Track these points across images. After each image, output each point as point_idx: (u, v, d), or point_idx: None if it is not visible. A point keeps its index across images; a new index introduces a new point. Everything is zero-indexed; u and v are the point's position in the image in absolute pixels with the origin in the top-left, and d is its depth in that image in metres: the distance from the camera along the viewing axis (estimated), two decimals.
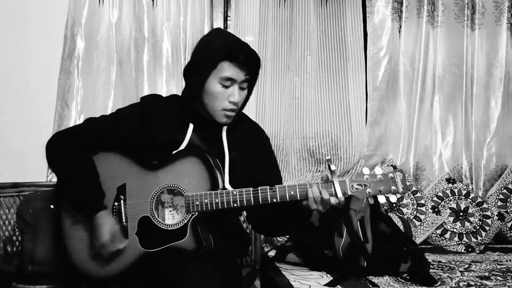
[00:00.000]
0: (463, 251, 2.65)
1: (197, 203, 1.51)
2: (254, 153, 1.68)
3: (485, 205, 2.79)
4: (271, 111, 2.81)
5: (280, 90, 2.84)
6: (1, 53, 2.57)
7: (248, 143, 1.68)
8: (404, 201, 2.73)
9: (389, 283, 1.91)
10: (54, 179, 1.97)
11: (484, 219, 2.74)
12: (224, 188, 1.56)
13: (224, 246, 1.61)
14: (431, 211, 2.72)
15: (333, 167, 1.48)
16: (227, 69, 1.53)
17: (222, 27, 2.82)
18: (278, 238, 2.56)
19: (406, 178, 1.70)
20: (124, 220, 1.56)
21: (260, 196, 1.50)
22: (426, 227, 2.68)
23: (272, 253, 2.36)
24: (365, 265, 2.01)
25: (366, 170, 1.52)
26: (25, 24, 2.60)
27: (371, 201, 1.50)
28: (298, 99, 2.82)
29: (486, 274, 2.08)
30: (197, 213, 1.52)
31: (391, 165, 2.72)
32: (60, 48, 2.61)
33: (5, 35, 2.59)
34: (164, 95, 1.78)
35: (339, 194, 1.48)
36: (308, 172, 2.82)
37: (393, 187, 1.51)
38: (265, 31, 2.81)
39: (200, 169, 1.54)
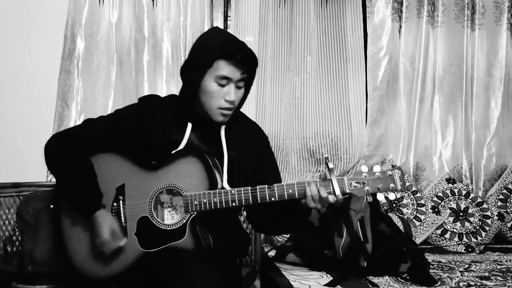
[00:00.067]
0: (463, 251, 2.65)
1: (195, 202, 1.51)
2: (253, 152, 1.68)
3: (485, 205, 2.78)
4: (271, 111, 2.81)
5: (280, 90, 2.84)
6: (1, 53, 2.58)
7: (247, 142, 1.67)
8: (404, 201, 2.73)
9: (389, 283, 1.91)
10: (54, 179, 1.97)
11: (484, 219, 2.74)
12: (222, 187, 1.56)
13: (223, 246, 1.61)
14: (431, 211, 2.72)
15: (331, 165, 1.48)
16: (223, 68, 1.53)
17: (222, 27, 2.82)
18: (278, 238, 2.56)
19: (405, 175, 1.70)
20: (123, 221, 1.56)
21: (258, 195, 1.50)
22: (426, 227, 2.68)
23: (272, 253, 2.35)
24: (365, 265, 2.01)
25: (364, 168, 1.52)
26: (25, 24, 2.60)
27: (370, 199, 1.50)
28: (298, 99, 2.83)
29: (486, 274, 2.08)
30: (195, 212, 1.52)
31: (391, 165, 2.72)
32: (60, 48, 2.61)
33: (5, 35, 2.59)
34: (164, 95, 1.78)
35: (337, 192, 1.48)
36: (308, 172, 2.82)
37: (392, 185, 1.50)
38: (265, 31, 2.81)
39: (198, 169, 1.54)
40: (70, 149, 1.59)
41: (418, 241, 2.63)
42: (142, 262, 1.53)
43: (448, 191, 2.81)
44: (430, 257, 2.35)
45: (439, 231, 2.72)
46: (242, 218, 2.10)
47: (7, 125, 2.56)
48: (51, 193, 1.75)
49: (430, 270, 2.07)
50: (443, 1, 2.96)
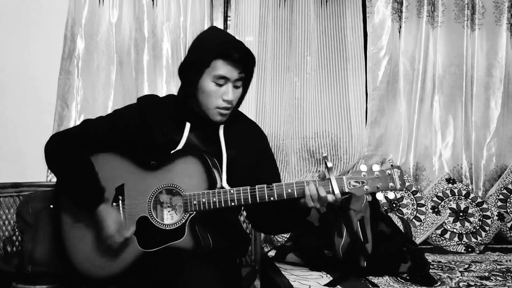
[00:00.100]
0: (463, 251, 2.64)
1: (194, 202, 1.51)
2: (252, 151, 1.68)
3: (485, 205, 2.78)
4: (271, 111, 2.81)
5: (280, 90, 2.84)
6: (1, 53, 2.58)
7: (245, 141, 1.67)
8: (404, 201, 2.73)
9: (389, 283, 1.91)
10: (54, 179, 1.98)
11: (484, 219, 2.74)
12: (222, 187, 1.56)
13: (223, 245, 1.61)
14: (431, 211, 2.72)
15: (329, 164, 1.47)
16: (221, 68, 1.52)
17: (222, 27, 2.83)
18: (278, 238, 2.56)
19: (404, 175, 1.69)
20: (123, 221, 1.56)
21: (257, 195, 1.50)
22: (426, 227, 2.68)
23: (272, 253, 2.35)
24: (365, 265, 2.01)
25: (363, 167, 1.51)
26: (25, 24, 2.61)
27: (369, 198, 1.49)
28: (298, 99, 2.83)
29: (486, 274, 2.08)
30: (195, 212, 1.52)
31: (390, 164, 2.72)
32: (60, 48, 2.61)
33: (5, 35, 2.59)
34: (164, 95, 1.78)
35: (336, 191, 1.47)
36: (308, 172, 2.82)
37: (391, 184, 1.50)
38: (265, 31, 2.82)
39: (198, 169, 1.53)
40: (70, 149, 1.59)
41: (418, 241, 2.63)
42: (142, 262, 1.53)
43: (448, 191, 2.81)
44: (430, 257, 2.34)
45: (439, 231, 2.72)
46: (242, 218, 2.10)
47: (7, 125, 2.56)
48: (51, 193, 1.74)
49: (430, 270, 2.07)
50: (443, 1, 2.96)
